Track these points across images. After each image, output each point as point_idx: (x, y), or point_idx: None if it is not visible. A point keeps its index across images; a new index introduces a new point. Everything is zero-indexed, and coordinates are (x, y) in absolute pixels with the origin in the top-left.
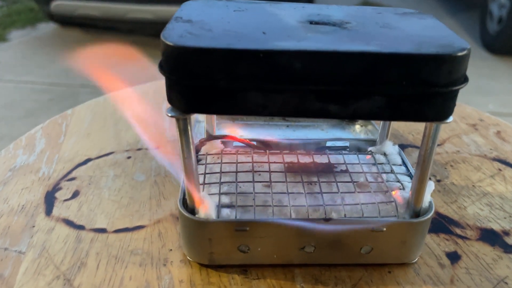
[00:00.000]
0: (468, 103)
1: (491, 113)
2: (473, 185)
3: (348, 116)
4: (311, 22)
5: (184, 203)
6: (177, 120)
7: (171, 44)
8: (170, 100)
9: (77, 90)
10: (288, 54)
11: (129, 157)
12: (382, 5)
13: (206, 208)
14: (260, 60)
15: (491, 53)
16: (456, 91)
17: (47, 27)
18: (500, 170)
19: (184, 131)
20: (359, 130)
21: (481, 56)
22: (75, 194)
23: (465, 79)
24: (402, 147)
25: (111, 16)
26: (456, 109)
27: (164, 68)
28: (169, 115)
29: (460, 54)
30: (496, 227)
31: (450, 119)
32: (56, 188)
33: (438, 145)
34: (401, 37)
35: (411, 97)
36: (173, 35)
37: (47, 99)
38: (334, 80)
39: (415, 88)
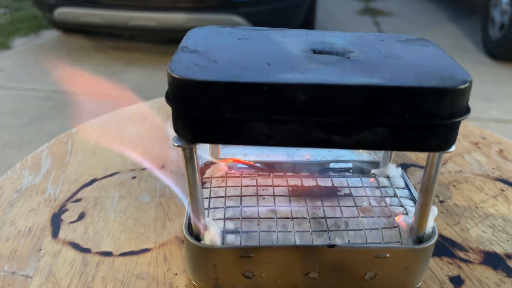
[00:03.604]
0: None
1: (494, 120)
2: (476, 206)
3: (351, 147)
4: (314, 51)
5: (189, 228)
6: (183, 149)
7: (177, 76)
8: (176, 129)
9: (80, 97)
10: (292, 87)
11: (134, 177)
12: (384, 12)
13: (211, 234)
14: (264, 93)
15: (493, 60)
16: (458, 122)
17: (51, 35)
18: (502, 190)
19: (190, 159)
20: (362, 150)
21: (483, 62)
22: (81, 216)
23: (467, 110)
24: (405, 166)
25: (114, 23)
26: None
27: (170, 99)
28: (176, 144)
29: (462, 86)
30: (499, 250)
31: (453, 148)
32: (62, 210)
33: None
34: (403, 68)
35: (413, 129)
36: (179, 67)
37: (50, 106)
38: (338, 112)
39: (417, 120)
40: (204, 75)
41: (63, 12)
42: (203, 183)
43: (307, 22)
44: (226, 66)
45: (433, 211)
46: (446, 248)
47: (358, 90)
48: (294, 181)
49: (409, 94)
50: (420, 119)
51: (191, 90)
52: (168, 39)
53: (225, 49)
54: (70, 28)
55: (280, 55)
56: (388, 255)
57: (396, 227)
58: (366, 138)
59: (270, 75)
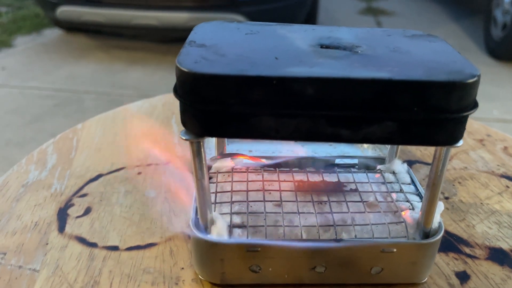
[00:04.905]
0: None
1: (496, 120)
2: (481, 203)
3: (359, 141)
4: (322, 46)
5: (196, 223)
6: (191, 143)
7: (186, 70)
8: (184, 123)
9: (82, 96)
10: (301, 81)
11: (139, 173)
12: (386, 11)
13: (218, 228)
14: (273, 86)
15: (495, 59)
16: (466, 116)
17: (53, 33)
18: (507, 187)
19: (197, 153)
20: (367, 146)
21: (485, 62)
22: (87, 211)
23: (475, 104)
24: (410, 163)
25: (116, 22)
26: None
27: (179, 92)
28: (183, 138)
29: (470, 81)
30: (504, 246)
31: (460, 142)
32: (68, 204)
33: None
34: (411, 62)
35: (422, 123)
36: (187, 61)
37: (52, 104)
38: (346, 106)
39: (426, 114)
40: (212, 69)
41: (65, 11)
42: (209, 178)
43: (309, 21)
44: (234, 60)
45: (440, 206)
46: (452, 244)
47: (366, 84)
48: (300, 177)
49: (418, 88)
50: (428, 113)
51: (200, 84)
52: (170, 38)
53: (232, 44)
54: (72, 27)
55: (288, 49)
56: (394, 250)
57: (402, 222)
58: (374, 132)
59: (278, 69)
